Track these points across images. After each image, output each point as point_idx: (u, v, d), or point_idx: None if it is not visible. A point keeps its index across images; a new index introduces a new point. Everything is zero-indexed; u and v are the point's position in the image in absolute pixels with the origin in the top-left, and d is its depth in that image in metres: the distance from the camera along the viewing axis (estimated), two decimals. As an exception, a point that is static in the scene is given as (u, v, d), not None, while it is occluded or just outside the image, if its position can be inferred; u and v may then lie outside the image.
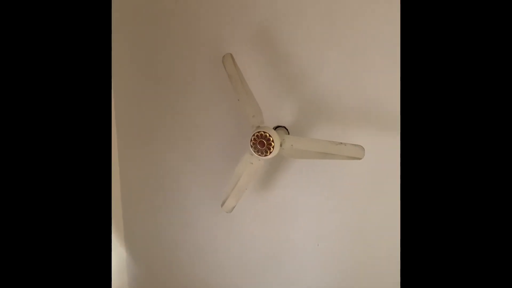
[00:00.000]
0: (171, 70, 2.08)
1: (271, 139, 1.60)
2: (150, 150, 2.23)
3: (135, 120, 2.22)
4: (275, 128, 1.89)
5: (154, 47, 2.09)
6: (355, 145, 1.55)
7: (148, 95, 2.16)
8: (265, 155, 1.62)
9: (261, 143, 1.61)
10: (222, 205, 1.81)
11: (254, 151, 1.63)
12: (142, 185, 2.29)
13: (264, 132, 1.60)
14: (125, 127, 2.25)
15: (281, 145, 1.64)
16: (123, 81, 2.19)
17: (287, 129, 1.88)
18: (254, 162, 1.70)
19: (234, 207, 1.81)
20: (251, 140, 1.63)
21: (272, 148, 1.60)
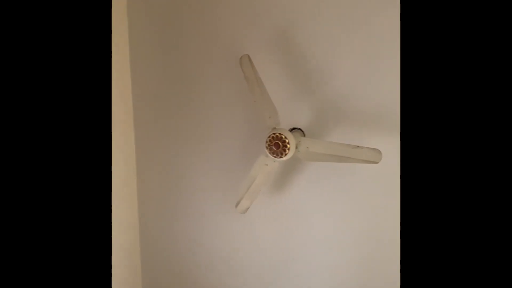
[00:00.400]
0: (189, 71, 2.09)
1: (287, 141, 1.59)
2: (166, 151, 2.25)
3: (153, 121, 2.24)
4: (291, 130, 1.88)
5: (171, 48, 2.11)
6: (372, 148, 1.53)
7: (165, 96, 2.18)
8: (280, 157, 1.62)
9: (277, 145, 1.60)
10: (236, 205, 1.81)
11: (269, 153, 1.63)
12: (158, 186, 2.31)
13: (280, 133, 1.59)
14: (143, 128, 2.27)
15: (296, 147, 1.63)
16: (141, 82, 2.22)
17: (303, 131, 1.87)
18: (269, 163, 1.70)
19: (248, 208, 1.81)
20: (266, 142, 1.62)
21: (287, 150, 1.60)
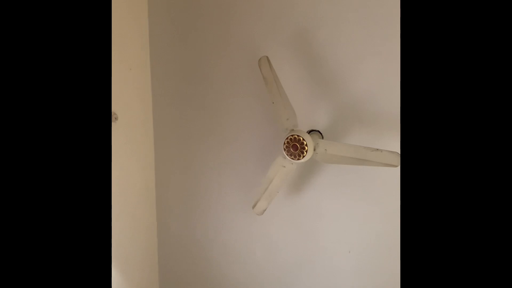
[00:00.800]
0: (208, 72, 2.11)
1: (305, 142, 1.58)
2: (184, 151, 2.26)
3: (172, 122, 2.26)
4: (309, 132, 1.87)
5: (191, 49, 2.13)
6: (391, 152, 1.51)
7: (184, 96, 2.20)
8: (298, 159, 1.61)
9: (294, 147, 1.60)
10: (253, 207, 1.81)
11: (287, 154, 1.63)
12: (176, 186, 2.33)
13: (298, 135, 1.59)
14: (162, 129, 2.30)
15: (314, 149, 1.62)
16: (160, 83, 2.24)
17: (321, 133, 1.86)
18: (286, 165, 1.69)
19: (265, 209, 1.81)
20: (284, 143, 1.62)
21: (305, 152, 1.59)
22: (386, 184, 1.81)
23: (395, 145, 1.69)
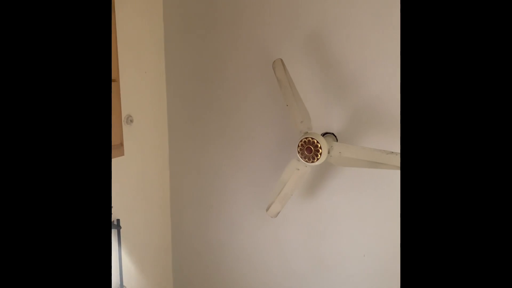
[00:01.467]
0: (222, 75, 2.12)
1: (319, 145, 1.58)
2: (199, 153, 2.28)
3: (186, 124, 2.28)
4: (323, 134, 1.87)
5: (205, 51, 2.14)
6: (407, 154, 1.50)
7: (199, 98, 2.21)
8: (312, 162, 1.61)
9: (309, 149, 1.60)
10: (267, 210, 1.81)
11: (301, 157, 1.63)
12: (190, 187, 2.35)
13: (312, 138, 1.59)
14: (176, 130, 2.32)
15: (328, 152, 1.62)
16: (175, 85, 2.26)
17: (335, 136, 1.86)
18: (300, 168, 1.69)
19: (279, 212, 1.81)
20: (298, 146, 1.62)
21: (319, 155, 1.59)
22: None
23: (410, 148, 1.67)
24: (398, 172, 1.71)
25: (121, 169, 1.99)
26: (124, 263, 2.06)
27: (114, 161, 1.73)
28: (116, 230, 1.99)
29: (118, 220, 1.99)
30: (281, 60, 1.66)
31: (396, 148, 1.67)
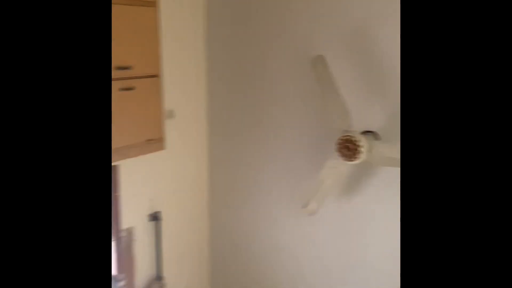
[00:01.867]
0: (262, 70, 2.12)
1: (359, 144, 1.55)
2: (237, 150, 2.30)
3: (225, 120, 2.31)
4: (364, 132, 1.82)
5: (246, 48, 2.15)
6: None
7: (238, 95, 2.23)
8: (351, 160, 1.58)
9: (348, 148, 1.57)
10: (304, 207, 1.80)
11: (340, 156, 1.60)
12: (228, 184, 2.37)
13: (351, 136, 1.56)
14: (215, 127, 2.35)
15: (369, 151, 1.58)
16: (216, 81, 2.29)
17: (377, 135, 1.80)
18: (339, 167, 1.66)
19: (316, 210, 1.79)
20: (337, 144, 1.59)
21: (359, 154, 1.56)
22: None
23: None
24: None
25: (162, 163, 2.04)
26: (164, 255, 2.12)
27: (155, 155, 1.77)
28: (156, 222, 2.04)
29: (158, 213, 2.04)
30: (322, 56, 1.64)
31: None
